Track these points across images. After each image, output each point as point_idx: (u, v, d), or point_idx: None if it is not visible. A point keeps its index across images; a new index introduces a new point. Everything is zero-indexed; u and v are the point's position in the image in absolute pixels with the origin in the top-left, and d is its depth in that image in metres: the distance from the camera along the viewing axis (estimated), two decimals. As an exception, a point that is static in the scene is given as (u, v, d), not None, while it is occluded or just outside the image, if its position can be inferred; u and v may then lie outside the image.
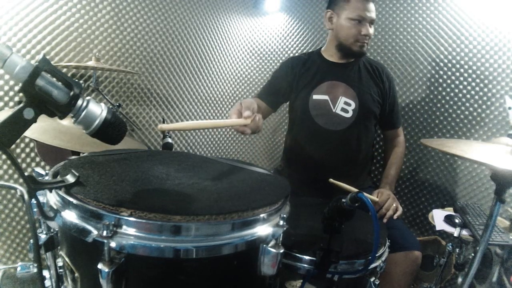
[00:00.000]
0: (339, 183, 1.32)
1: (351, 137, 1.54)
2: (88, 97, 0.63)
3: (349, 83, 1.55)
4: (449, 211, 1.56)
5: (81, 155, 0.90)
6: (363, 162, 1.62)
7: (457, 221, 1.40)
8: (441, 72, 1.89)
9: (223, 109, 2.36)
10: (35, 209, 0.63)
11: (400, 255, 1.25)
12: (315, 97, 1.55)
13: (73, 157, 0.86)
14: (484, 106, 1.81)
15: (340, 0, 1.49)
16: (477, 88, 1.82)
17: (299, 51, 2.34)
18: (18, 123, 0.56)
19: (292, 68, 1.62)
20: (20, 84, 0.56)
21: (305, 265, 0.85)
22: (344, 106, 1.53)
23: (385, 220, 1.34)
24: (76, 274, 0.65)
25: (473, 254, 1.00)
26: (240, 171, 0.92)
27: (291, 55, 2.38)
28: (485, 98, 1.81)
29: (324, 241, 0.80)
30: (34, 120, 0.58)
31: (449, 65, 1.87)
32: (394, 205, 1.39)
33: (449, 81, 1.89)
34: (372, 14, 1.46)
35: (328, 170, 1.51)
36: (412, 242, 1.30)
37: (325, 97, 1.54)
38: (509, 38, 1.73)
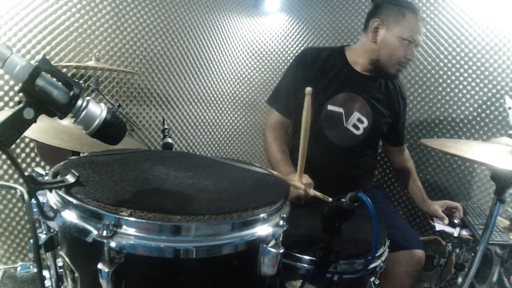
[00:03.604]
0: None
1: (358, 154, 1.50)
2: (88, 97, 0.63)
3: (367, 98, 1.44)
4: (449, 211, 1.56)
5: (81, 155, 0.90)
6: (367, 171, 1.61)
7: (456, 221, 1.40)
8: (441, 72, 1.89)
9: (223, 109, 2.36)
10: (35, 209, 0.63)
11: (403, 255, 1.25)
12: (329, 107, 1.43)
13: (73, 157, 0.86)
14: (484, 106, 1.81)
15: (394, 13, 1.34)
16: (477, 88, 1.82)
17: (299, 51, 2.34)
18: (18, 123, 0.56)
19: (310, 67, 1.44)
20: (20, 84, 0.56)
21: (305, 265, 0.85)
22: (357, 122, 1.45)
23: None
24: (76, 274, 0.65)
25: (473, 254, 1.00)
26: (240, 171, 0.92)
27: (291, 55, 2.38)
28: (485, 98, 1.81)
29: (324, 241, 0.79)
30: (34, 120, 0.58)
31: (449, 65, 1.87)
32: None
33: (449, 81, 1.89)
34: (421, 37, 1.37)
35: (331, 177, 1.44)
36: (414, 241, 1.30)
37: (340, 109, 1.43)
38: (509, 38, 1.73)
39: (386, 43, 1.35)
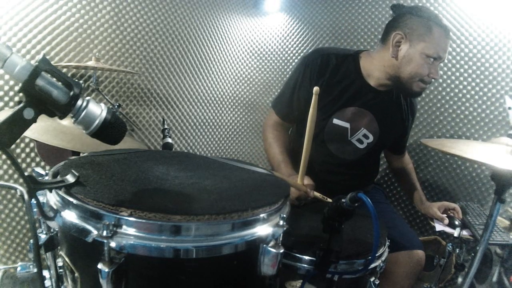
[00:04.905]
0: None
1: (359, 167, 1.47)
2: (88, 97, 0.63)
3: (376, 114, 1.37)
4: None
5: (81, 155, 0.90)
6: (367, 180, 1.60)
7: (456, 222, 1.40)
8: (441, 72, 1.89)
9: (223, 109, 2.36)
10: (35, 209, 0.63)
11: (403, 255, 1.24)
12: (335, 121, 1.35)
13: (73, 157, 0.86)
14: (484, 106, 1.81)
15: (419, 26, 1.20)
16: (477, 88, 1.82)
17: (299, 51, 2.34)
18: (18, 123, 0.56)
19: (318, 74, 1.33)
20: (20, 84, 0.56)
21: (305, 265, 0.85)
22: (362, 138, 1.39)
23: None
24: (76, 274, 0.65)
25: (473, 254, 1.00)
26: (240, 171, 0.92)
27: (291, 55, 2.38)
28: (485, 98, 1.81)
29: (324, 241, 0.80)
30: (34, 120, 0.58)
31: (449, 65, 1.87)
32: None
33: (449, 81, 1.89)
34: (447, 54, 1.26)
35: (330, 186, 1.38)
36: (414, 241, 1.29)
37: (347, 124, 1.36)
38: (509, 38, 1.73)
39: (408, 60, 1.22)
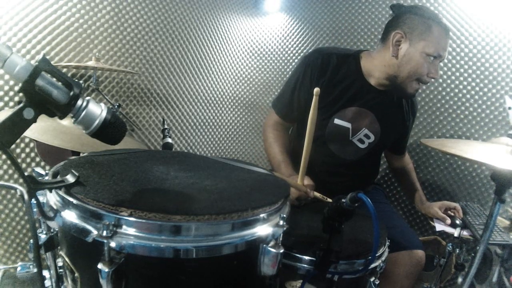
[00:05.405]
0: None
1: (360, 167, 1.46)
2: (88, 97, 0.63)
3: (377, 115, 1.37)
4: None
5: (81, 155, 0.90)
6: (368, 180, 1.60)
7: (457, 221, 1.40)
8: (441, 72, 1.89)
9: (223, 109, 2.36)
10: (35, 209, 0.63)
11: (403, 255, 1.24)
12: (336, 121, 1.35)
13: (73, 157, 0.86)
14: (484, 106, 1.81)
15: (419, 25, 1.20)
16: (477, 88, 1.82)
17: (299, 51, 2.34)
18: (18, 123, 0.56)
19: (319, 74, 1.33)
20: (20, 84, 0.56)
21: (305, 265, 0.85)
22: (363, 137, 1.39)
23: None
24: (76, 274, 0.65)
25: (473, 254, 1.00)
26: (240, 171, 0.92)
27: (291, 55, 2.38)
28: (485, 98, 1.81)
29: (324, 241, 0.80)
30: (34, 120, 0.58)
31: (449, 65, 1.87)
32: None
33: (449, 81, 1.89)
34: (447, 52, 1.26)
35: (330, 183, 1.41)
36: (414, 241, 1.29)
37: (348, 125, 1.36)
38: (509, 38, 1.73)
39: (408, 59, 1.22)
